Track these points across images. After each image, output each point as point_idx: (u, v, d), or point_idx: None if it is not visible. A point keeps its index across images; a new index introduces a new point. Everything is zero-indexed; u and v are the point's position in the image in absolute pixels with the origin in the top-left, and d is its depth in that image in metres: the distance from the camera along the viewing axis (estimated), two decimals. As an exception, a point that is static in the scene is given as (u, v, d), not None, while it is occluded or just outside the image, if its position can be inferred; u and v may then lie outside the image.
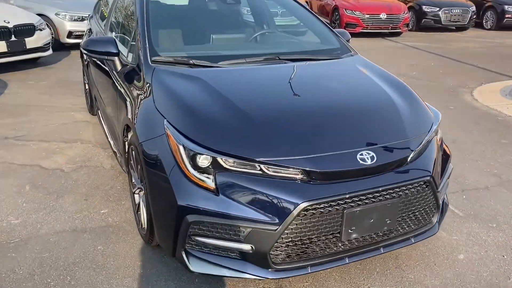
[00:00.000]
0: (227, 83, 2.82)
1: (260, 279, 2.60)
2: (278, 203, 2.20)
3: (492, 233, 3.16)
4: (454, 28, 15.22)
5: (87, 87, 5.60)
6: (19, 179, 3.82)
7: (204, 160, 2.28)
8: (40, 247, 2.89)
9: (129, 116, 2.89)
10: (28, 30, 7.78)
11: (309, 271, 2.35)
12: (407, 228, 2.58)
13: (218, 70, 2.99)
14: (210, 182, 2.26)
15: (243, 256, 2.31)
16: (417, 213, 2.57)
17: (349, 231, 2.33)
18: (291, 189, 2.23)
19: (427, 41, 12.56)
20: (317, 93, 2.84)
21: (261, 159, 2.25)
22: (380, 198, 2.35)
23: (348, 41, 3.84)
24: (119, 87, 3.27)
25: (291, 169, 2.25)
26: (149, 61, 3.00)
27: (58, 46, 9.57)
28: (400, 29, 13.42)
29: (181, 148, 2.32)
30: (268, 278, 2.30)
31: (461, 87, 7.39)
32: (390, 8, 13.39)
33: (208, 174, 2.27)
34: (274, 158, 2.26)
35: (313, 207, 2.21)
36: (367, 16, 13.10)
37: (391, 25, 13.28)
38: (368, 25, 13.13)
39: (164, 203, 2.40)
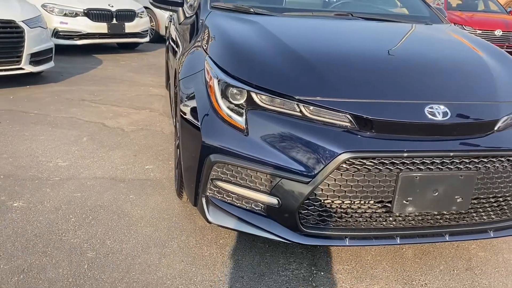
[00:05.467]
0: (283, 26, 2.50)
1: (289, 245, 2.22)
2: (315, 152, 1.81)
3: None
4: None
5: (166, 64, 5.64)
6: (80, 131, 3.85)
7: (237, 95, 1.97)
8: (74, 188, 2.79)
9: (177, 57, 2.70)
10: (129, 15, 8.20)
11: (347, 244, 1.90)
12: (485, 217, 2.01)
13: (278, 17, 2.68)
14: (240, 120, 1.94)
15: (268, 212, 1.94)
16: (501, 199, 2.00)
17: (404, 201, 1.85)
18: (333, 136, 1.82)
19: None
20: (387, 43, 2.41)
21: (300, 97, 1.88)
22: (451, 166, 1.84)
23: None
24: (177, 39, 3.12)
25: (337, 113, 1.85)
26: (208, 6, 2.80)
27: (157, 38, 10.05)
28: (517, 48, 12.01)
29: (215, 81, 2.05)
30: (293, 242, 1.90)
31: None
32: (507, 25, 12.07)
33: (240, 111, 1.96)
34: (317, 97, 1.88)
35: (358, 161, 1.78)
36: (479, 32, 11.90)
37: (506, 43, 11.93)
38: (479, 42, 11.93)
39: (191, 143, 2.13)
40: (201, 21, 2.72)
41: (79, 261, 2.07)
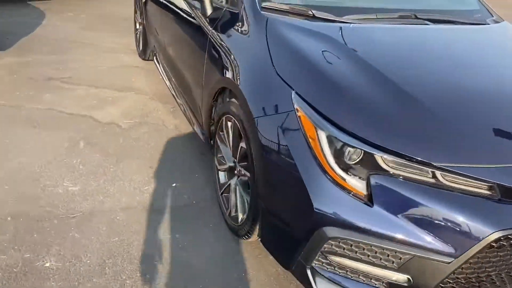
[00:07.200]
0: (369, 48, 2.13)
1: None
2: (458, 228, 1.60)
3: None
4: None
5: (138, 26, 4.91)
6: (71, 132, 3.26)
7: (353, 155, 1.66)
8: (106, 228, 2.36)
9: (229, 76, 2.24)
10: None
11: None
12: None
13: (348, 28, 2.28)
14: (359, 186, 1.65)
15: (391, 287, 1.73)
16: None
17: (527, 271, 1.74)
18: (478, 210, 1.61)
19: None
20: (489, 76, 2.15)
21: (439, 164, 1.62)
22: None
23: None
24: (209, 37, 2.60)
25: (478, 182, 1.62)
26: (259, 8, 2.31)
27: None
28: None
29: (322, 134, 1.70)
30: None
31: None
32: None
33: (357, 174, 1.66)
34: (456, 164, 1.63)
35: (506, 237, 1.60)
36: None
37: None
38: None
39: (289, 204, 1.82)
40: (254, 28, 2.25)
41: None
